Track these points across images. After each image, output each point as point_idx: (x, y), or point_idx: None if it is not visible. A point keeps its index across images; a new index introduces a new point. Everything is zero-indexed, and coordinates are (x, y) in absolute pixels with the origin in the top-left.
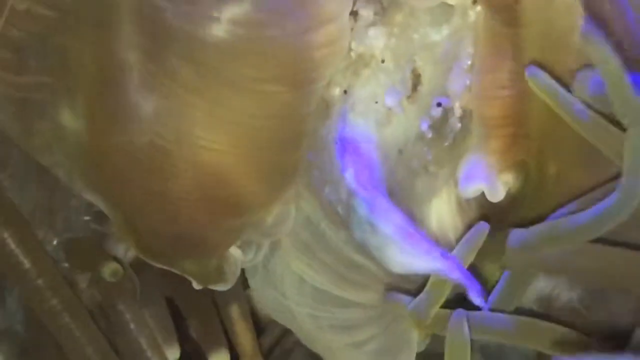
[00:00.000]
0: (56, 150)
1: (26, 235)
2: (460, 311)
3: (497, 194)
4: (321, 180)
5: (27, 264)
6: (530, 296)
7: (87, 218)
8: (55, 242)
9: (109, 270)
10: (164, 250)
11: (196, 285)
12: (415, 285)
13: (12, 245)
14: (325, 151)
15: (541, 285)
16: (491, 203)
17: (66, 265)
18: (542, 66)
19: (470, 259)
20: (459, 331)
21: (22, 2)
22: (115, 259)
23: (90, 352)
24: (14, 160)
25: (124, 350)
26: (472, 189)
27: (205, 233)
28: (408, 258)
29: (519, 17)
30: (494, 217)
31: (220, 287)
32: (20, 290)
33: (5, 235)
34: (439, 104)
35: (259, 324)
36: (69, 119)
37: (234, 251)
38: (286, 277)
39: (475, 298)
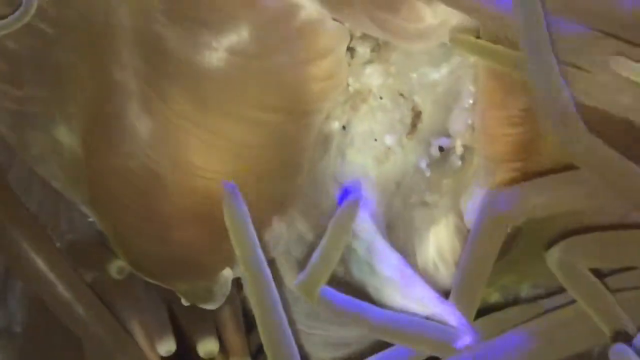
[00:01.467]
0: (50, 162)
1: (36, 231)
2: None
3: None
4: (318, 214)
5: (38, 261)
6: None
7: (90, 219)
8: (59, 244)
9: (115, 267)
10: (155, 269)
11: (185, 302)
12: None
13: (23, 243)
14: (323, 187)
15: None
16: None
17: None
18: None
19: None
20: None
21: None
22: None
23: (109, 342)
24: (16, 168)
25: None
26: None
27: (198, 257)
28: (406, 301)
29: None
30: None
31: (209, 307)
32: (24, 289)
33: (15, 232)
34: (440, 149)
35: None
36: (64, 134)
37: (226, 272)
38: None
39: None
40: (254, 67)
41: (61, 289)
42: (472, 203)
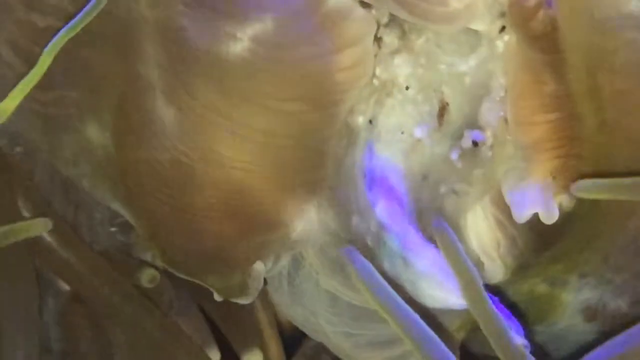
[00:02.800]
0: (82, 162)
1: (67, 235)
2: None
3: (552, 217)
4: (349, 209)
5: (76, 262)
6: (575, 307)
7: (112, 229)
8: None
9: (146, 276)
10: (188, 264)
11: (217, 297)
12: None
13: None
14: (351, 181)
15: (586, 296)
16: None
17: None
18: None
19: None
20: None
21: (43, 19)
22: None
23: (159, 337)
24: (38, 178)
25: None
26: (526, 214)
27: (230, 249)
28: (442, 293)
29: (558, 43)
30: (545, 234)
31: (243, 301)
32: (57, 304)
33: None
34: (474, 143)
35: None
36: (96, 132)
37: (258, 266)
38: (316, 295)
39: (516, 336)
40: (279, 57)
41: (107, 291)
42: (519, 195)
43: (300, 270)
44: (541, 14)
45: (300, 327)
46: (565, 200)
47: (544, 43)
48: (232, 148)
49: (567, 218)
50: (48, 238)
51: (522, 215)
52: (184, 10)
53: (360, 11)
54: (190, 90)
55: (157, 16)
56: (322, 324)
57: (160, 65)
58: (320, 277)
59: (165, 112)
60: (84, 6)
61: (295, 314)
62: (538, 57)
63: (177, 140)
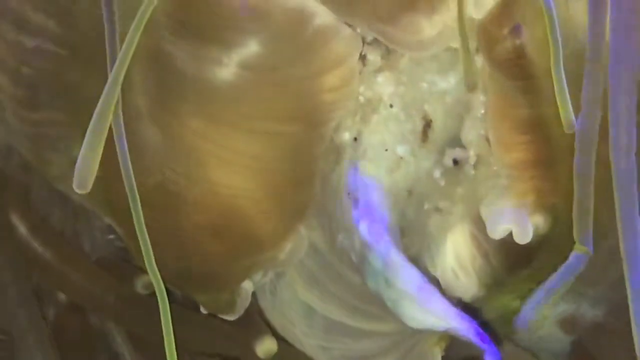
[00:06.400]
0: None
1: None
2: None
3: (526, 237)
4: (334, 227)
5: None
6: (552, 319)
7: (111, 237)
8: None
9: (141, 283)
10: (177, 282)
11: (204, 311)
12: None
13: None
14: (337, 198)
15: (562, 308)
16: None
17: None
18: None
19: None
20: None
21: (31, 40)
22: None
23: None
24: (36, 190)
25: None
26: (500, 231)
27: (219, 270)
28: (423, 314)
29: (526, 70)
30: (519, 255)
31: (230, 317)
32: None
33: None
34: (455, 161)
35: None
36: None
37: (246, 284)
38: (294, 305)
39: (490, 358)
40: (266, 81)
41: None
42: (495, 215)
43: (281, 279)
44: (508, 41)
45: (280, 333)
46: (540, 221)
47: (512, 69)
48: (221, 173)
49: (542, 240)
50: (46, 254)
51: (496, 231)
52: (170, 37)
53: (346, 31)
54: (178, 116)
55: (144, 43)
56: (298, 335)
57: (147, 91)
58: (298, 289)
59: (152, 138)
60: (69, 27)
61: (275, 320)
62: (508, 83)
63: (163, 165)
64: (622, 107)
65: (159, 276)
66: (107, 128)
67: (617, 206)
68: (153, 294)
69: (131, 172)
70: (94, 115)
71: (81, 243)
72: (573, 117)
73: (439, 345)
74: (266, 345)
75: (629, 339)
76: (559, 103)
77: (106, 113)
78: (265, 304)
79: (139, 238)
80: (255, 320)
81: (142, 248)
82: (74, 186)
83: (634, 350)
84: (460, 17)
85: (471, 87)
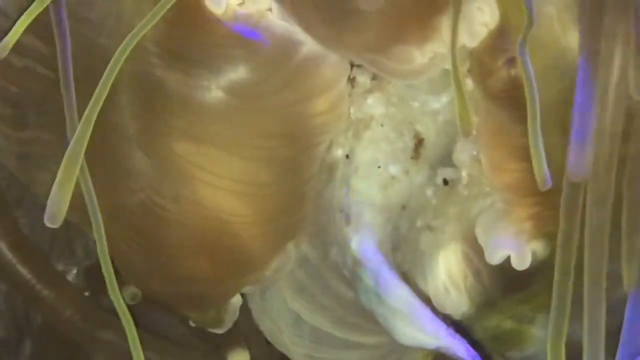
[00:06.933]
0: None
1: (47, 270)
2: None
3: (524, 263)
4: (327, 241)
5: (51, 297)
6: (544, 339)
7: None
8: (75, 271)
9: (128, 294)
10: (164, 300)
11: (193, 324)
12: None
13: (34, 282)
14: (330, 213)
15: None
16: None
17: (87, 293)
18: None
19: None
20: None
21: (20, 59)
22: None
23: None
24: (30, 195)
25: None
26: (499, 257)
27: (205, 291)
28: (415, 332)
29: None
30: (514, 278)
31: (217, 331)
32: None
33: (26, 273)
34: (445, 181)
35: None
36: None
37: (234, 299)
38: (282, 312)
39: None
40: (255, 106)
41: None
42: (493, 241)
43: (271, 286)
44: (502, 72)
45: (268, 338)
46: (539, 248)
47: (507, 100)
48: (210, 198)
49: (539, 265)
50: (27, 275)
51: (494, 257)
52: (158, 62)
53: (333, 56)
54: (167, 140)
55: (131, 68)
56: (286, 342)
57: (135, 115)
58: (287, 297)
59: (140, 161)
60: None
61: (264, 325)
62: (501, 113)
63: (150, 188)
64: None
65: (120, 297)
66: (78, 166)
67: None
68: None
69: (95, 199)
70: (65, 155)
71: (75, 250)
72: (547, 174)
73: (425, 359)
74: (237, 357)
75: None
76: (532, 158)
77: (78, 152)
78: (254, 306)
79: (102, 264)
80: (230, 330)
81: (105, 273)
82: (45, 220)
83: None
84: (454, 68)
85: (466, 134)
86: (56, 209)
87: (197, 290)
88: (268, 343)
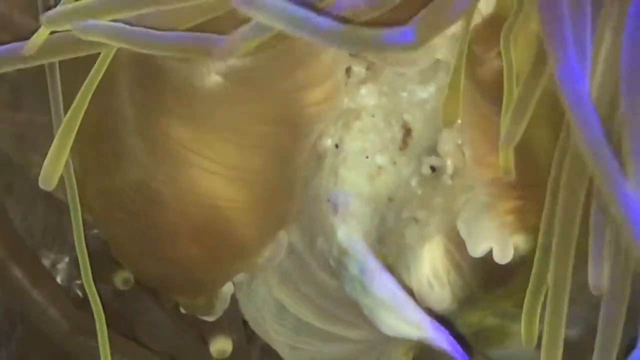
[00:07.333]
0: None
1: (33, 265)
2: None
3: (506, 257)
4: (314, 231)
5: (36, 294)
6: None
7: (95, 231)
8: (67, 259)
9: (120, 279)
10: (156, 284)
11: (183, 311)
12: None
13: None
14: (317, 203)
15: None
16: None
17: (79, 282)
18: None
19: None
20: None
21: (16, 41)
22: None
23: None
24: (20, 184)
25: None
26: (481, 249)
27: (198, 275)
28: (398, 323)
29: None
30: (495, 273)
31: (208, 318)
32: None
33: (13, 268)
34: (432, 168)
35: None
36: None
37: (225, 287)
38: (267, 301)
39: None
40: (251, 93)
41: (64, 323)
42: (476, 233)
43: (257, 275)
44: (494, 62)
45: (252, 327)
46: (521, 242)
47: (493, 93)
48: (204, 183)
49: (520, 261)
50: (20, 276)
51: (477, 250)
52: None
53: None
54: (163, 126)
55: (133, 51)
56: (269, 332)
57: (133, 99)
58: (272, 286)
59: (135, 145)
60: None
61: (249, 313)
62: (488, 106)
63: (145, 172)
64: None
65: (92, 283)
66: (76, 127)
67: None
68: (130, 291)
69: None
70: (64, 120)
71: (66, 237)
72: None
73: (406, 356)
74: (219, 345)
75: None
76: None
77: (77, 114)
78: (241, 295)
79: (77, 250)
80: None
81: (80, 261)
82: (39, 182)
83: None
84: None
85: (447, 124)
86: (51, 171)
87: (188, 275)
88: (253, 333)
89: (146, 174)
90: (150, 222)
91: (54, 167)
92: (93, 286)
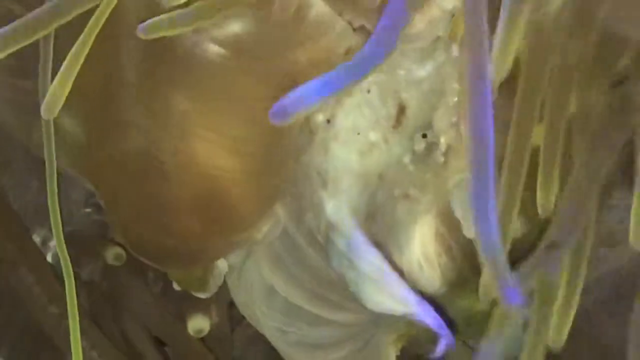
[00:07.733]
0: (56, 147)
1: (25, 244)
2: None
3: None
4: (303, 206)
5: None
6: (516, 322)
7: (87, 210)
8: None
9: (112, 254)
10: (152, 253)
11: (176, 287)
12: None
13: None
14: (306, 179)
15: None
16: None
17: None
18: None
19: None
20: None
21: (22, 9)
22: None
23: (95, 356)
24: (16, 159)
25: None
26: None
27: (195, 246)
28: (384, 298)
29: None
30: None
31: (201, 295)
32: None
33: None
34: (424, 135)
35: None
36: (68, 122)
37: (220, 263)
38: (257, 284)
39: (446, 344)
40: (255, 66)
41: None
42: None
43: (249, 257)
44: None
45: (242, 311)
46: (517, 224)
47: None
48: (204, 153)
49: (513, 244)
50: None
51: (472, 230)
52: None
53: (340, 24)
54: (165, 94)
55: (139, 18)
56: (258, 315)
57: (138, 66)
58: (263, 269)
59: (139, 113)
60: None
61: (238, 298)
62: None
63: (148, 140)
64: None
65: (64, 247)
66: (82, 59)
67: None
68: (123, 266)
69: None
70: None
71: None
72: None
73: (395, 345)
74: (196, 322)
75: (595, 342)
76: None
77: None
78: (231, 281)
79: (51, 217)
80: (195, 298)
81: (52, 222)
82: (42, 111)
83: (600, 353)
84: None
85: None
86: (55, 100)
87: (187, 245)
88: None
89: (149, 142)
90: (151, 189)
91: (60, 94)
92: (65, 249)
